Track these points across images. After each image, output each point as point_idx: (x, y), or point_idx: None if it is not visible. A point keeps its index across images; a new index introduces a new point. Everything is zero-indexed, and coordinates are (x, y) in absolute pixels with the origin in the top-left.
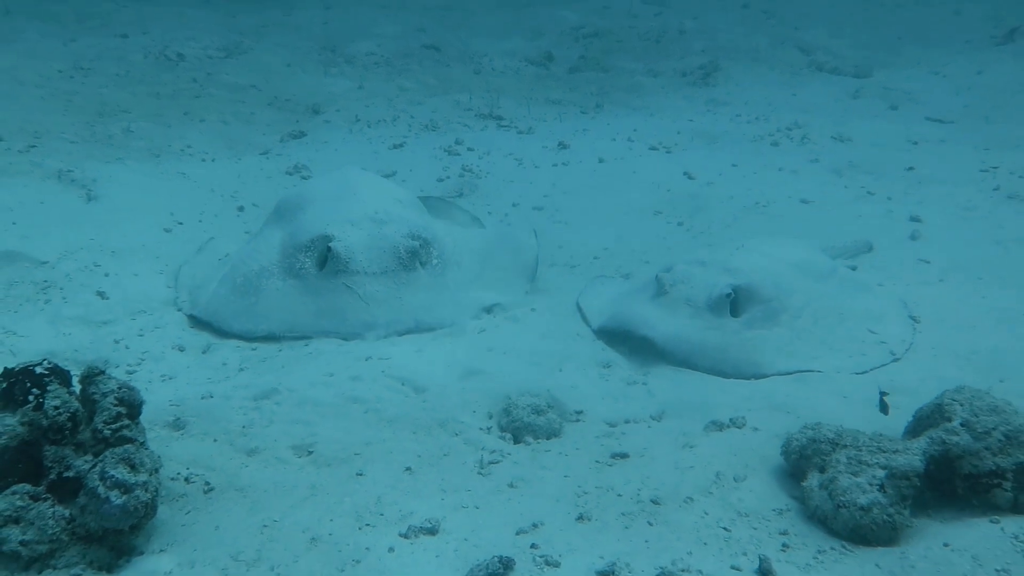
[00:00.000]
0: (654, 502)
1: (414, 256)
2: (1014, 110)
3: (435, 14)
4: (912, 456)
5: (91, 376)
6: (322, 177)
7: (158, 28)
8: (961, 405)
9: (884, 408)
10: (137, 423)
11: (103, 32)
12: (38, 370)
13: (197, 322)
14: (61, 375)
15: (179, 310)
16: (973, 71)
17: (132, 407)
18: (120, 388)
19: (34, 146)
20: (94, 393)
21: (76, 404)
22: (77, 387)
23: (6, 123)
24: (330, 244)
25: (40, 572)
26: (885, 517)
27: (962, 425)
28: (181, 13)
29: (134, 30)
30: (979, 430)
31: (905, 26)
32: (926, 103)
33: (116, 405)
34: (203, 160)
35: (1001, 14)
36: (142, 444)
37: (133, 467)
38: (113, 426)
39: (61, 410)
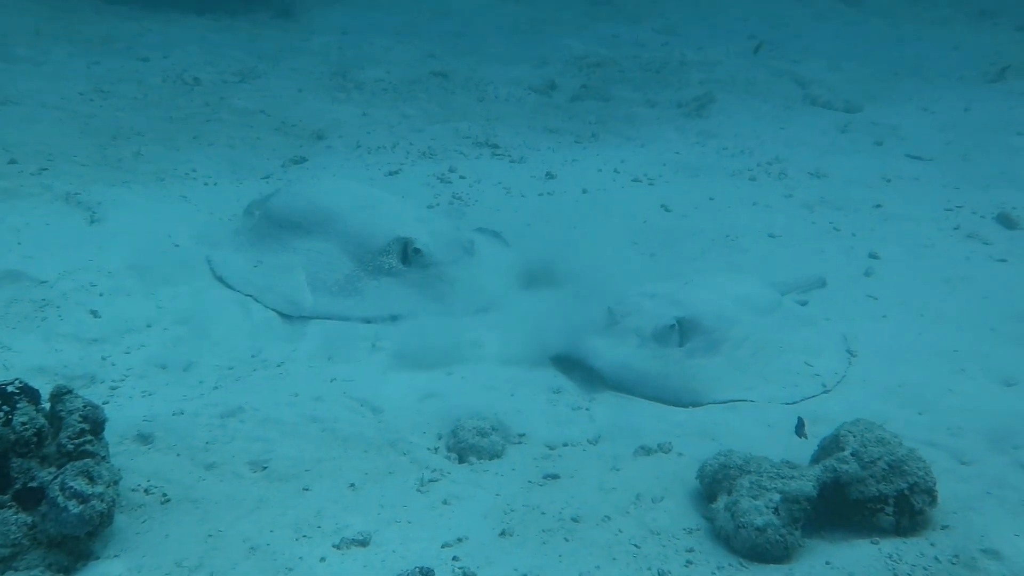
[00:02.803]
0: (574, 520)
1: (472, 245)
2: (992, 148)
3: (447, 40)
4: (805, 482)
5: (59, 395)
6: (313, 188)
7: (179, 52)
8: (854, 436)
9: (800, 432)
10: (100, 438)
11: (126, 55)
12: (9, 389)
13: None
14: (30, 393)
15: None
16: (961, 108)
17: (95, 424)
18: (85, 406)
19: (46, 168)
20: (61, 410)
21: (42, 420)
22: (47, 404)
23: (23, 145)
24: (416, 246)
25: (3, 574)
26: (778, 537)
27: (852, 454)
28: (203, 38)
29: (156, 54)
30: (866, 459)
31: (903, 61)
32: (910, 139)
33: (80, 422)
34: (206, 184)
35: (1001, 51)
36: (103, 458)
37: (91, 479)
38: (76, 441)
39: (28, 426)
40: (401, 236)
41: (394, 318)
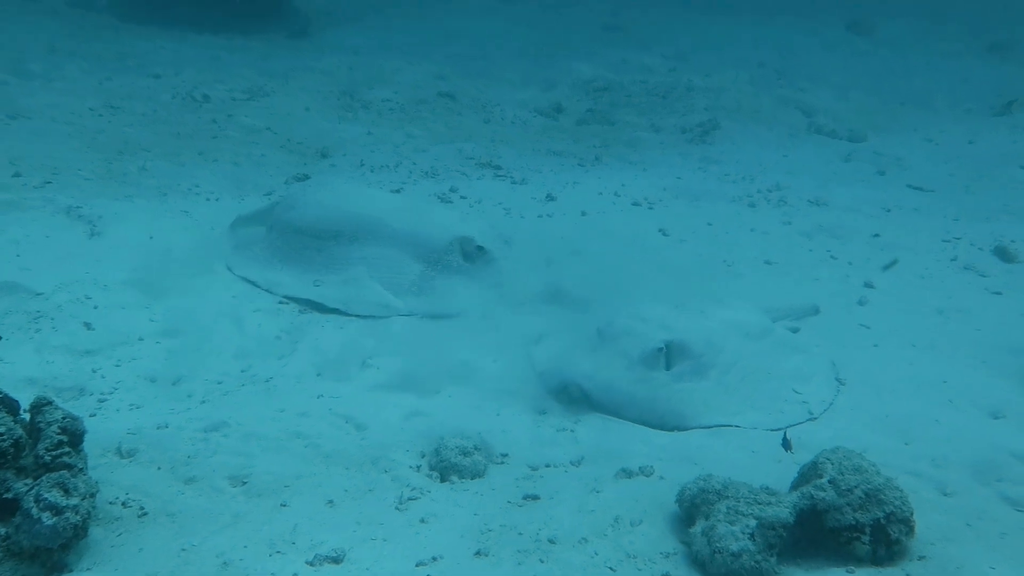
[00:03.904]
0: (551, 541)
1: (511, 239)
2: (995, 181)
3: (457, 62)
4: (782, 508)
5: (39, 406)
6: (335, 197)
7: (191, 70)
8: (832, 464)
9: (787, 447)
10: (79, 450)
11: (138, 72)
12: None
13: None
14: (9, 404)
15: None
16: (965, 140)
17: (74, 435)
18: (64, 418)
19: (50, 182)
20: (40, 422)
21: (20, 431)
22: (27, 415)
23: (29, 158)
24: (478, 243)
25: None
26: (752, 563)
27: (829, 482)
28: (216, 56)
29: (168, 71)
30: (843, 487)
31: (910, 92)
32: (913, 170)
33: (59, 434)
34: (208, 199)
35: (1009, 85)
36: (80, 470)
37: (67, 491)
38: (54, 452)
39: (5, 437)
40: (461, 235)
41: (467, 313)
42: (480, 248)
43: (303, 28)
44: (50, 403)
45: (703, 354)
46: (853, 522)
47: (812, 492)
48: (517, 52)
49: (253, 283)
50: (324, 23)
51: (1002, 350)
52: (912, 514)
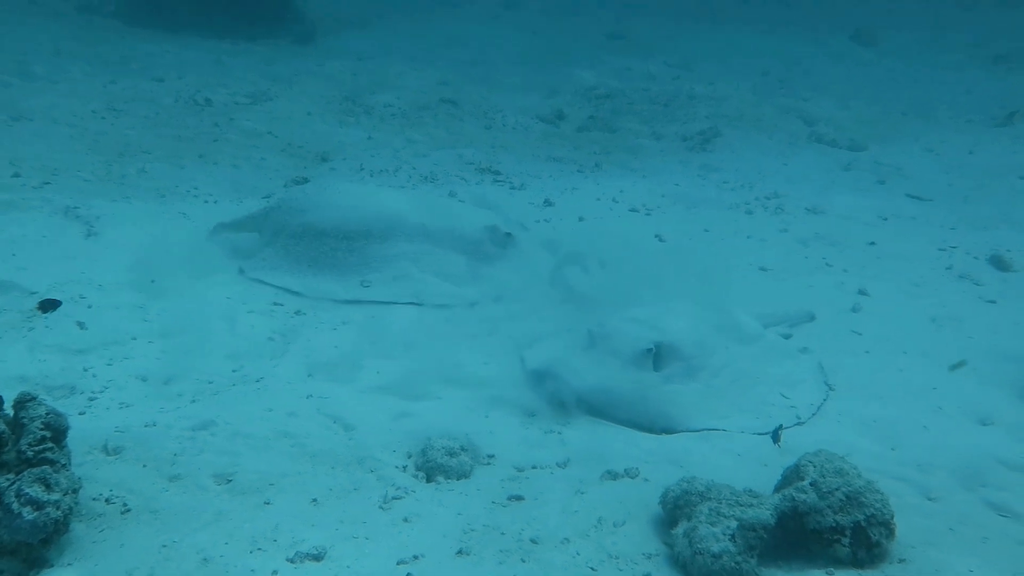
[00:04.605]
0: (533, 541)
1: (522, 225)
2: (994, 191)
3: (460, 68)
4: (763, 510)
5: (23, 401)
6: (349, 198)
7: (194, 74)
8: (813, 466)
9: (776, 439)
10: (62, 446)
11: (142, 75)
12: None
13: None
14: None
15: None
16: (966, 150)
17: (58, 431)
18: (48, 414)
19: (49, 183)
20: (23, 417)
21: (2, 426)
22: (11, 411)
23: (29, 160)
24: (507, 232)
25: None
26: (733, 564)
27: (811, 484)
28: (220, 61)
29: (171, 75)
30: (824, 490)
31: (913, 102)
32: (913, 179)
33: (42, 429)
34: (206, 202)
35: (1012, 96)
36: (63, 466)
37: (48, 486)
38: (36, 448)
39: None
40: (490, 224)
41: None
42: (508, 235)
43: (309, 33)
44: (34, 399)
45: (693, 356)
46: (833, 524)
47: (793, 494)
48: (520, 59)
49: (298, 293)
50: (330, 28)
51: (994, 358)
52: (893, 517)
